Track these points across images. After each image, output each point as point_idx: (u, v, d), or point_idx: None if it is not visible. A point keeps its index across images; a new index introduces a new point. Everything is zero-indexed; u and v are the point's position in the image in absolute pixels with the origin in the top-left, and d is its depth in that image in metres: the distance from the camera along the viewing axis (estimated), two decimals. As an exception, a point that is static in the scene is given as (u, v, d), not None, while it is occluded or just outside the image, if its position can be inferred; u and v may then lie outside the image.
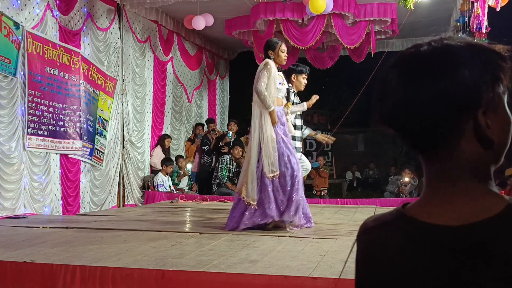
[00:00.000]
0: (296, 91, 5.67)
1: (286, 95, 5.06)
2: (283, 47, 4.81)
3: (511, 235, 0.69)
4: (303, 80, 5.62)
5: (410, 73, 0.77)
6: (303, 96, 5.83)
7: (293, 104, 5.37)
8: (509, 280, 0.67)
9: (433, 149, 0.77)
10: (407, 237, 0.75)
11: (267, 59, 4.73)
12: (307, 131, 6.01)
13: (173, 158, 9.32)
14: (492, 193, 0.75)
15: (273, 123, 4.58)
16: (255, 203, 4.48)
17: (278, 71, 4.84)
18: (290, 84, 5.59)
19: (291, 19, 8.46)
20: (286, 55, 4.89)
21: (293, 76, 5.61)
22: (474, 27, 6.73)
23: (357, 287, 0.82)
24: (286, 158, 4.54)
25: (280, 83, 4.77)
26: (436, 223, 0.73)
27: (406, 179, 9.71)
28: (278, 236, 4.21)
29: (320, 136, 6.12)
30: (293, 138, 5.45)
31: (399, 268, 0.74)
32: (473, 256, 0.69)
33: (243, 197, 4.55)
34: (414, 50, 0.79)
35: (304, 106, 5.55)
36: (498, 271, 0.68)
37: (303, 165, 5.43)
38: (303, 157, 5.85)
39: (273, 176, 4.49)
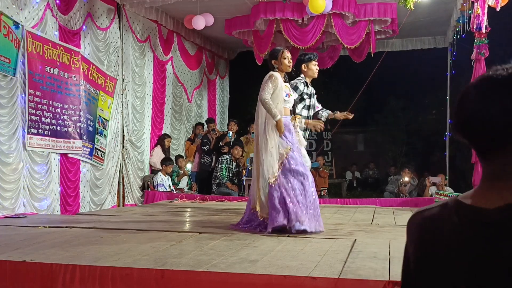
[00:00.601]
0: (309, 80, 5.60)
1: (292, 106, 4.99)
2: (286, 54, 4.75)
3: None
4: (314, 67, 5.55)
5: (486, 90, 0.94)
6: (314, 86, 5.79)
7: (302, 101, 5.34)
8: None
9: (494, 153, 0.93)
10: (456, 215, 0.92)
11: (271, 72, 4.67)
12: (326, 114, 5.88)
13: (173, 158, 9.32)
14: None
15: (280, 133, 4.50)
16: (267, 216, 4.45)
17: (285, 81, 4.79)
18: (302, 75, 5.56)
19: (291, 18, 8.46)
20: (291, 61, 4.79)
21: (303, 66, 5.54)
22: (474, 27, 6.73)
23: (406, 266, 1.01)
24: (293, 166, 4.47)
25: (287, 95, 4.69)
26: (481, 206, 0.90)
27: (406, 179, 9.71)
28: (278, 236, 4.21)
29: (339, 115, 5.94)
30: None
31: (448, 240, 0.91)
32: (506, 229, 0.85)
33: (258, 212, 4.54)
34: (492, 72, 0.96)
35: (303, 122, 5.51)
36: None
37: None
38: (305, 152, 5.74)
39: (274, 181, 4.42)
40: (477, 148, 0.97)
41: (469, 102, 0.96)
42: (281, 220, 4.30)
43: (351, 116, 5.96)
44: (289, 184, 4.42)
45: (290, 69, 4.88)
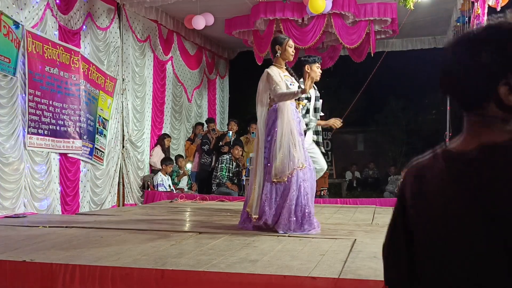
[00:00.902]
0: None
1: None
2: (291, 43, 4.78)
3: (505, 153, 0.97)
4: (317, 70, 5.57)
5: (463, 48, 1.05)
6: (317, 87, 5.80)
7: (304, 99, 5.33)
8: (506, 182, 0.93)
9: (471, 107, 1.04)
10: (441, 158, 1.05)
11: (265, 71, 4.66)
12: (313, 124, 5.86)
13: (173, 158, 9.32)
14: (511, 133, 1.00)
15: (313, 78, 4.56)
16: (257, 216, 4.44)
17: (287, 69, 4.77)
18: (301, 80, 5.56)
19: (291, 18, 8.46)
20: (294, 51, 4.83)
21: (307, 67, 5.55)
22: (474, 27, 6.72)
23: (399, 209, 1.14)
24: (300, 180, 4.42)
25: (291, 84, 4.67)
26: (462, 149, 1.03)
27: (406, 178, 9.69)
28: (278, 236, 4.21)
29: (330, 122, 5.87)
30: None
31: (435, 181, 1.04)
32: (478, 164, 0.98)
33: (248, 211, 4.55)
34: (469, 31, 1.08)
35: (313, 124, 5.51)
36: (493, 176, 0.95)
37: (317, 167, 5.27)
38: (318, 154, 5.68)
39: (278, 181, 4.39)
40: (457, 102, 1.08)
41: (448, 60, 1.07)
42: (267, 226, 4.35)
43: (339, 124, 5.88)
44: (293, 200, 4.39)
45: (292, 59, 4.88)
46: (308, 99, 5.56)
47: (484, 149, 0.99)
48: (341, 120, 5.89)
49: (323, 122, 5.82)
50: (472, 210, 0.96)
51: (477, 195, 0.96)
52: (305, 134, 5.44)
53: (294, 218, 4.35)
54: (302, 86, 5.46)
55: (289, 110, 4.54)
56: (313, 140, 5.77)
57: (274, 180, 4.39)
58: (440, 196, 1.02)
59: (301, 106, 4.92)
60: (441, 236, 1.01)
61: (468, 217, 0.97)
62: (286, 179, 4.37)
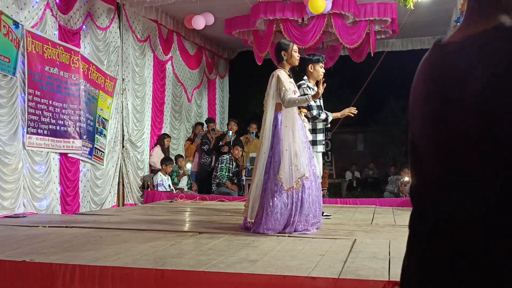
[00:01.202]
0: (314, 82, 5.55)
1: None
2: (295, 47, 4.76)
3: (480, 45, 0.89)
4: (320, 70, 5.51)
5: None
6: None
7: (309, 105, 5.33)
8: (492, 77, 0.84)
9: None
10: (431, 51, 1.01)
11: (275, 72, 4.62)
12: (331, 117, 5.84)
13: (173, 158, 9.32)
14: (507, 21, 0.90)
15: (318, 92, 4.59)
16: (252, 220, 4.42)
17: (290, 77, 4.74)
18: (305, 78, 5.55)
19: (291, 18, 8.46)
20: (299, 55, 4.81)
21: (310, 66, 5.50)
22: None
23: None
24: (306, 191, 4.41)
25: (293, 92, 4.65)
26: (449, 40, 0.97)
27: (406, 178, 9.70)
28: (278, 236, 4.21)
29: (345, 112, 5.89)
30: (315, 142, 5.42)
31: (423, 70, 1.00)
32: (453, 57, 0.92)
33: (245, 216, 4.55)
34: None
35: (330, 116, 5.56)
36: (480, 70, 0.86)
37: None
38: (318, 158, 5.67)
39: (288, 188, 4.34)
40: None
41: None
42: (271, 232, 4.32)
43: (354, 111, 5.87)
44: (298, 207, 4.37)
45: (297, 64, 4.86)
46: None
47: (465, 40, 0.92)
48: (355, 108, 5.86)
49: (339, 114, 5.80)
50: (443, 107, 0.91)
51: (447, 91, 0.90)
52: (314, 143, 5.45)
53: (293, 227, 4.36)
54: (310, 84, 5.48)
55: (293, 118, 4.51)
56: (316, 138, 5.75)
57: (285, 187, 4.34)
58: (419, 94, 0.98)
59: (303, 114, 4.90)
60: (421, 131, 0.97)
61: (438, 115, 0.92)
62: (294, 185, 4.34)
